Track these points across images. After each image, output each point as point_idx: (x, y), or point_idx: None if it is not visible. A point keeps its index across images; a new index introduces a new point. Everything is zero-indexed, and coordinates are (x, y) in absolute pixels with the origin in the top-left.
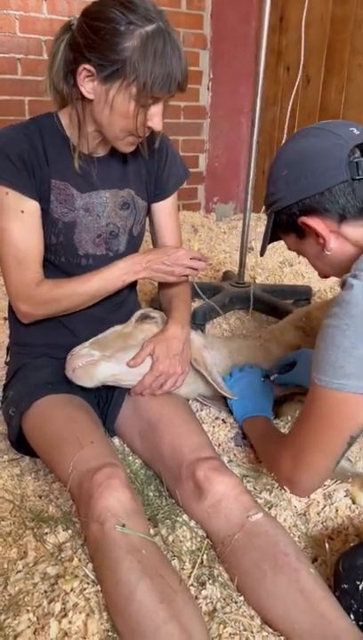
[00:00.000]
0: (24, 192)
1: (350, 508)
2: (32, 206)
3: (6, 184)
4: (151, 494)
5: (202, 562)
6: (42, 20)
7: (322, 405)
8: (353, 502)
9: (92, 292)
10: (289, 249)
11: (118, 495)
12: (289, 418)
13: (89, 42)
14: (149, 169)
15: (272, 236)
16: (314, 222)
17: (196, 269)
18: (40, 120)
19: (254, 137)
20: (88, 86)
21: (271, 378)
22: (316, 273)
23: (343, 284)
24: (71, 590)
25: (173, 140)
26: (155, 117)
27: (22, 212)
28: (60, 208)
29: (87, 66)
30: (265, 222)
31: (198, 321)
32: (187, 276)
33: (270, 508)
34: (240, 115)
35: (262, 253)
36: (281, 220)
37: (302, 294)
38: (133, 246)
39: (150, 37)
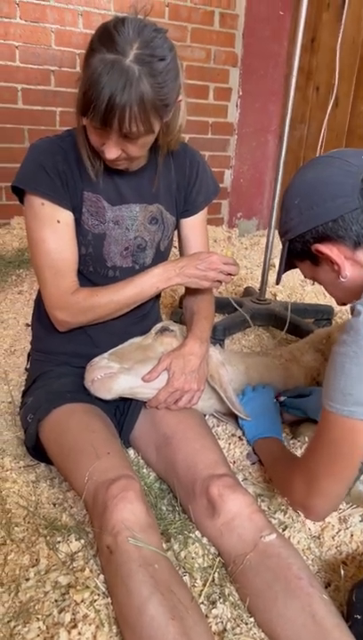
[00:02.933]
0: (59, 203)
1: None
2: (67, 216)
3: (42, 195)
4: (164, 508)
5: (213, 580)
6: (77, 33)
7: (332, 432)
8: None
9: (126, 299)
10: (305, 277)
11: (133, 508)
12: (306, 438)
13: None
14: (180, 185)
15: (288, 264)
16: (328, 249)
17: (229, 274)
18: (75, 133)
19: (282, 155)
20: None
21: (281, 399)
22: None
23: (353, 311)
24: (82, 601)
25: None
26: (106, 145)
27: (58, 222)
28: (91, 220)
29: None
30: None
31: (218, 336)
32: (220, 282)
33: (283, 530)
34: (267, 133)
35: (277, 282)
36: (295, 248)
37: (323, 313)
38: (160, 260)
39: (104, 63)
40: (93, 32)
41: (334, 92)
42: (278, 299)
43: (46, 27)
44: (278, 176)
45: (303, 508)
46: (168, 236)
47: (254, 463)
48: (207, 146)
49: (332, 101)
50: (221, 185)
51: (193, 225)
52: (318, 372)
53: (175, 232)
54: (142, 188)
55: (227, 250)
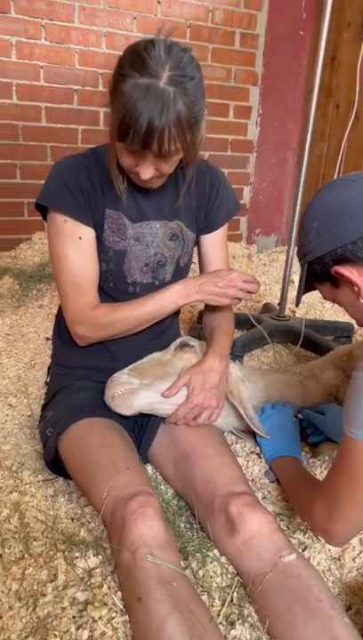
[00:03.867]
0: (81, 220)
1: None
2: (89, 233)
3: (65, 212)
4: (182, 525)
5: (232, 600)
6: (100, 54)
7: (353, 457)
8: None
9: (146, 315)
10: (325, 298)
11: (152, 524)
12: (326, 457)
13: (111, 80)
14: (200, 202)
15: (307, 285)
16: (347, 271)
17: (249, 292)
18: (98, 151)
19: (303, 172)
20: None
21: (300, 416)
22: None
23: None
24: (99, 618)
25: None
26: (140, 166)
27: (80, 238)
28: (113, 236)
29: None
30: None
31: (237, 352)
32: (239, 299)
33: (303, 550)
34: (287, 150)
35: (297, 304)
36: (315, 270)
37: (342, 331)
38: (180, 276)
39: (138, 88)
40: (118, 53)
41: (355, 109)
42: (297, 315)
43: (70, 47)
44: (298, 191)
45: (324, 534)
46: (188, 252)
47: (272, 482)
48: (227, 163)
49: (352, 118)
50: (240, 201)
51: (213, 241)
52: (337, 390)
53: (195, 248)
54: (163, 204)
55: (247, 269)
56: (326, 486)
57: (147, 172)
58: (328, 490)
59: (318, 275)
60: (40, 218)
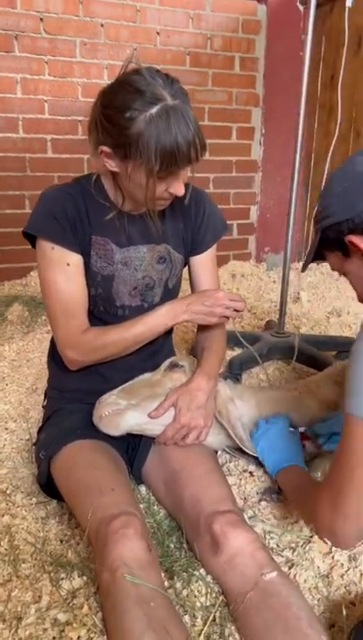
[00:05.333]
0: (68, 247)
1: None
2: (77, 259)
3: (52, 240)
4: (172, 545)
5: (214, 619)
6: (102, 85)
7: (355, 437)
8: None
9: (135, 337)
10: (332, 269)
11: (133, 545)
12: (319, 474)
13: (103, 126)
14: (187, 224)
15: (317, 254)
16: (361, 242)
17: (236, 310)
18: (83, 180)
19: (294, 190)
20: (111, 162)
21: (301, 429)
22: None
23: None
24: (78, 638)
25: (224, 192)
26: (175, 184)
27: (68, 264)
28: (100, 262)
29: (105, 148)
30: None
31: (235, 370)
32: (227, 317)
33: (290, 567)
34: (291, 167)
35: (303, 269)
36: (328, 237)
37: (344, 346)
38: (169, 298)
39: (154, 119)
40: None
41: (338, 124)
42: (301, 331)
43: (73, 81)
44: (290, 209)
45: (330, 532)
46: (176, 274)
47: (276, 501)
48: (232, 184)
49: (337, 134)
50: (247, 221)
51: (202, 262)
52: (335, 405)
53: (185, 269)
54: (149, 229)
55: (232, 286)
56: (329, 477)
57: (182, 187)
58: (332, 480)
59: (331, 242)
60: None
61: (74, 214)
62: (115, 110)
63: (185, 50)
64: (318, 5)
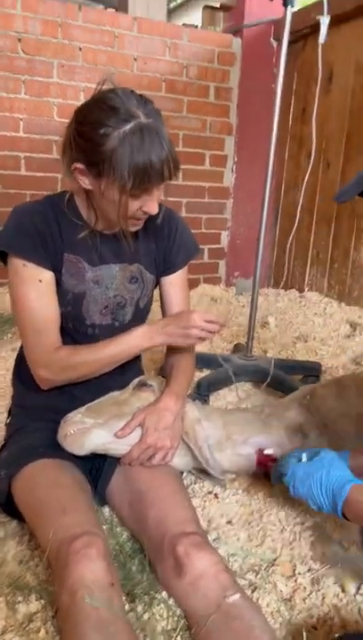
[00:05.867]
0: (40, 263)
1: (337, 596)
2: (48, 276)
3: (23, 257)
4: (134, 568)
5: None
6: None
7: None
8: (342, 590)
9: (109, 358)
10: None
11: (94, 566)
12: None
13: (77, 142)
14: (159, 244)
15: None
16: None
17: (211, 332)
18: (55, 198)
19: (264, 218)
20: (85, 180)
21: (271, 452)
22: (330, 349)
23: None
24: None
25: (196, 217)
26: (148, 203)
27: (40, 281)
28: (71, 280)
29: (78, 165)
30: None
31: (203, 392)
32: (203, 339)
33: (253, 591)
34: (262, 195)
35: (339, 199)
36: None
37: (311, 370)
38: (140, 317)
39: (127, 136)
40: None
41: (312, 155)
42: (268, 355)
43: (50, 100)
44: (260, 235)
45: None
46: (147, 294)
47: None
48: (205, 209)
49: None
50: (218, 245)
51: (173, 282)
52: (301, 427)
53: (156, 289)
54: (122, 248)
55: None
56: None
57: (156, 205)
58: None
59: None
60: None
61: (44, 229)
62: (89, 127)
63: (161, 77)
64: (290, 42)
